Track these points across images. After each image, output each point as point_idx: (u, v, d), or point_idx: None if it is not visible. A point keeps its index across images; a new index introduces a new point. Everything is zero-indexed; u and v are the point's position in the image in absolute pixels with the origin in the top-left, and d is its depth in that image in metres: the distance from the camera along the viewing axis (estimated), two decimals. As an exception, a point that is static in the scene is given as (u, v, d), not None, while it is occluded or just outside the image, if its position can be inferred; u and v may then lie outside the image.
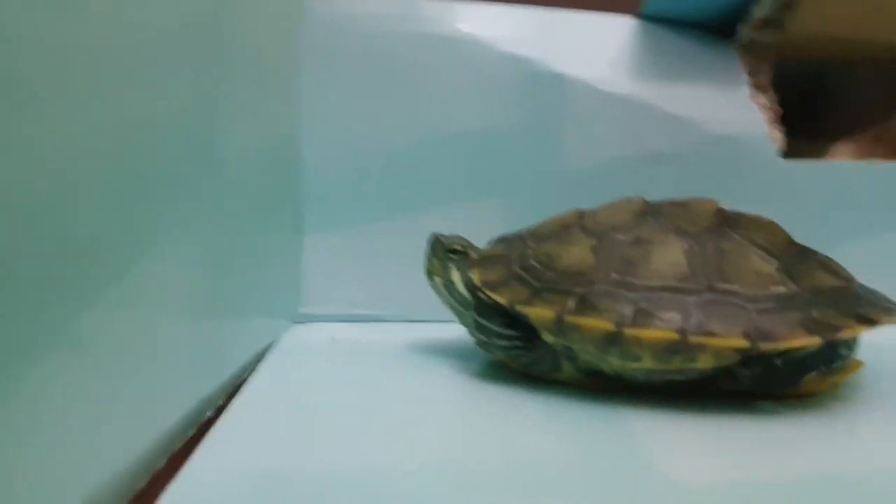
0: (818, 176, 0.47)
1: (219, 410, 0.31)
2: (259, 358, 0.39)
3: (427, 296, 0.39)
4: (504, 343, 0.35)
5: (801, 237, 0.35)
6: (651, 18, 0.48)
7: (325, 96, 0.47)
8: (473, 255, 0.37)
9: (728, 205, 0.35)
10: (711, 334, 0.30)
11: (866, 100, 0.55)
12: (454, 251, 0.38)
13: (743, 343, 0.30)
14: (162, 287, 0.27)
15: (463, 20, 0.47)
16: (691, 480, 0.25)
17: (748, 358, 0.31)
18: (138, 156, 0.24)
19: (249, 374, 0.36)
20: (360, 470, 0.25)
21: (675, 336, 0.30)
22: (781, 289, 0.31)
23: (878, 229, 0.47)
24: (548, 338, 0.33)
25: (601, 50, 0.48)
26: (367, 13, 0.47)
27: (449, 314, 0.39)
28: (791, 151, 0.48)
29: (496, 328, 0.35)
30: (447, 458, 0.26)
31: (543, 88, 0.47)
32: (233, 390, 0.34)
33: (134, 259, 0.24)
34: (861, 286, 0.34)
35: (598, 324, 0.31)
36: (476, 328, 0.36)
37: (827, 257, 0.34)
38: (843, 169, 0.47)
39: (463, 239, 0.38)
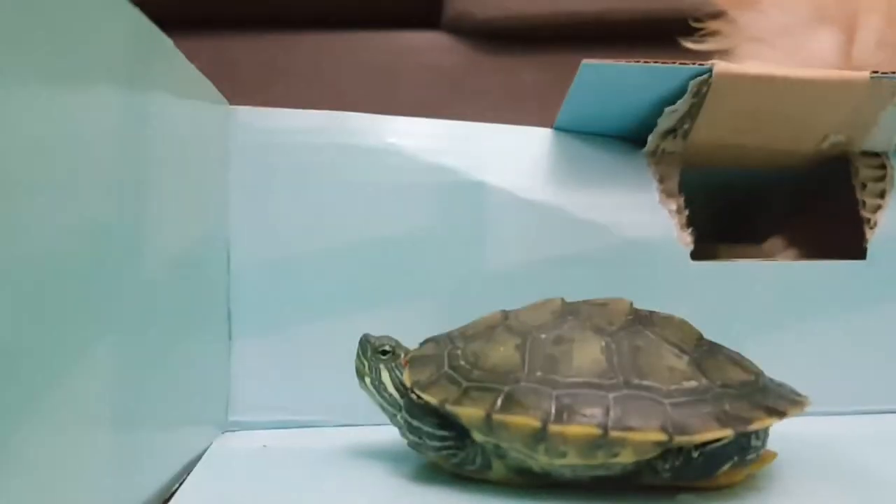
0: (725, 276, 0.50)
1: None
2: (188, 468, 0.38)
3: (360, 399, 0.39)
4: (436, 443, 0.36)
5: (710, 334, 0.37)
6: (565, 131, 0.51)
7: (253, 203, 0.48)
8: (402, 354, 0.38)
9: (641, 304, 0.37)
10: (630, 429, 0.31)
11: (786, 202, 0.59)
12: (384, 352, 0.38)
13: (660, 436, 0.31)
14: (83, 401, 0.26)
15: (387, 132, 0.50)
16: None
17: (667, 451, 0.32)
18: (53, 264, 0.24)
19: (178, 487, 0.36)
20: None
21: (597, 432, 0.31)
22: (693, 383, 0.33)
23: (782, 324, 0.50)
24: (478, 437, 0.34)
25: (519, 159, 0.50)
26: (294, 126, 0.49)
27: (382, 417, 0.39)
28: (722, 253, 0.51)
29: (428, 428, 0.36)
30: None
31: (465, 196, 0.49)
32: (162, 502, 0.34)
33: (48, 372, 0.24)
34: (769, 379, 0.36)
35: (524, 421, 0.32)
36: (408, 429, 0.37)
37: (735, 353, 0.37)
38: (748, 269, 0.50)
39: (392, 339, 0.39)
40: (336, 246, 0.48)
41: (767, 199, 0.60)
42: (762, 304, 0.50)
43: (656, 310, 0.37)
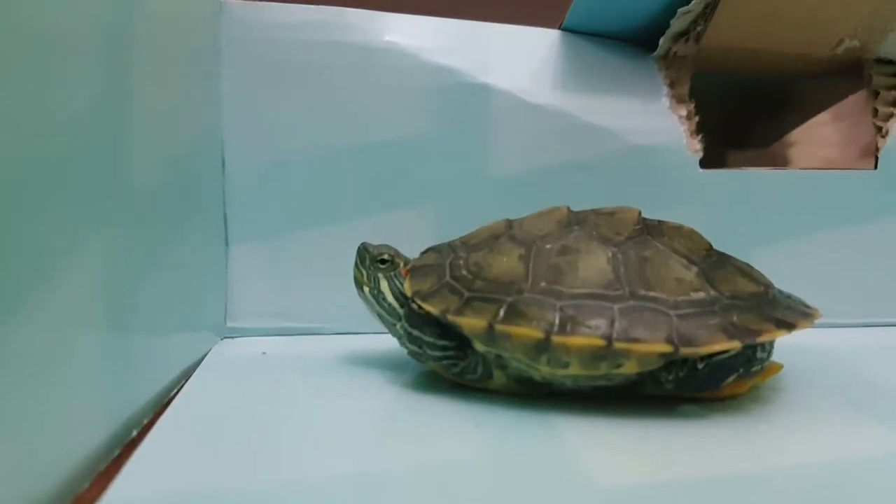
0: (734, 184, 0.48)
1: (145, 429, 0.31)
2: (187, 374, 0.38)
3: (360, 307, 0.39)
4: (437, 353, 0.35)
5: (719, 244, 0.36)
6: (573, 31, 0.49)
7: (249, 104, 0.46)
8: (401, 263, 0.38)
9: (649, 213, 0.36)
10: (636, 340, 0.31)
11: (798, 109, 0.58)
12: (382, 260, 0.38)
13: (666, 348, 0.30)
14: (72, 302, 0.26)
15: (387, 30, 0.47)
16: (613, 481, 0.26)
17: (671, 362, 0.32)
18: (35, 158, 0.23)
19: (177, 392, 0.35)
20: (284, 485, 0.25)
21: (601, 343, 0.31)
22: (701, 294, 0.32)
23: (794, 234, 0.49)
24: (479, 347, 0.34)
25: (525, 61, 0.48)
26: (289, 21, 0.47)
27: (382, 325, 0.39)
28: (731, 160, 0.50)
29: (428, 338, 0.35)
30: (375, 468, 0.27)
31: (468, 98, 0.47)
32: (159, 408, 0.33)
33: (39, 273, 0.23)
34: (778, 291, 0.35)
35: (527, 332, 0.31)
36: (407, 339, 0.36)
37: (745, 263, 0.36)
38: (758, 177, 0.49)
39: (390, 248, 0.38)
40: (335, 149, 0.47)
41: (778, 106, 0.59)
42: (772, 214, 0.49)
43: (663, 219, 0.36)
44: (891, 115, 0.50)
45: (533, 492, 0.25)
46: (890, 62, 0.51)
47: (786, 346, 0.35)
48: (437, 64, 0.47)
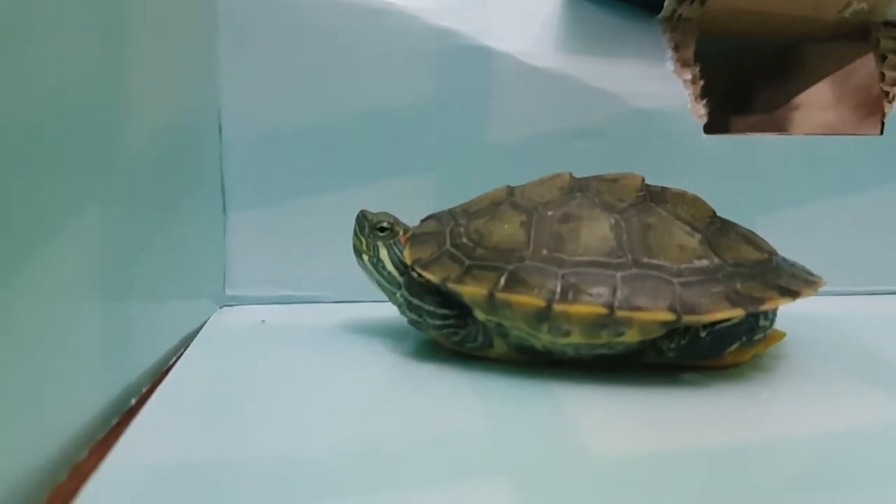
0: (739, 150, 0.48)
1: (144, 397, 0.30)
2: (186, 343, 0.38)
3: (359, 275, 0.39)
4: (437, 322, 0.35)
5: (723, 210, 0.35)
6: (577, -7, 0.48)
7: (246, 71, 0.45)
8: (401, 231, 0.37)
9: (652, 179, 0.36)
10: (638, 308, 0.30)
11: (804, 73, 0.57)
12: (381, 228, 0.37)
13: (669, 316, 0.30)
14: (70, 271, 0.25)
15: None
16: (614, 450, 0.26)
17: (673, 331, 0.32)
18: (37, 133, 0.23)
19: (175, 360, 0.35)
20: (282, 456, 0.25)
21: (602, 311, 0.30)
22: (705, 262, 0.32)
23: (798, 201, 0.49)
24: (480, 315, 0.33)
25: (526, 24, 0.47)
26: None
27: (382, 294, 0.38)
28: (735, 124, 0.49)
29: (428, 307, 0.35)
30: (374, 438, 0.27)
31: (469, 62, 0.46)
32: (158, 376, 0.33)
33: (37, 243, 0.23)
34: (782, 259, 0.35)
35: (528, 300, 0.31)
36: (407, 307, 0.36)
37: (749, 230, 0.35)
38: (763, 143, 0.48)
39: (390, 215, 0.38)
40: (333, 115, 0.46)
41: (784, 71, 0.58)
42: (776, 180, 0.49)
43: (667, 185, 0.36)
44: (898, 80, 0.49)
45: (534, 461, 0.25)
46: (897, 25, 0.50)
47: (788, 314, 0.35)
48: (438, 26, 0.46)
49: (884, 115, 0.49)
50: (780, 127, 0.54)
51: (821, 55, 0.55)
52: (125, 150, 0.31)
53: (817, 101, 0.57)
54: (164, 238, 0.36)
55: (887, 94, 0.49)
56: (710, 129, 0.47)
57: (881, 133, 0.49)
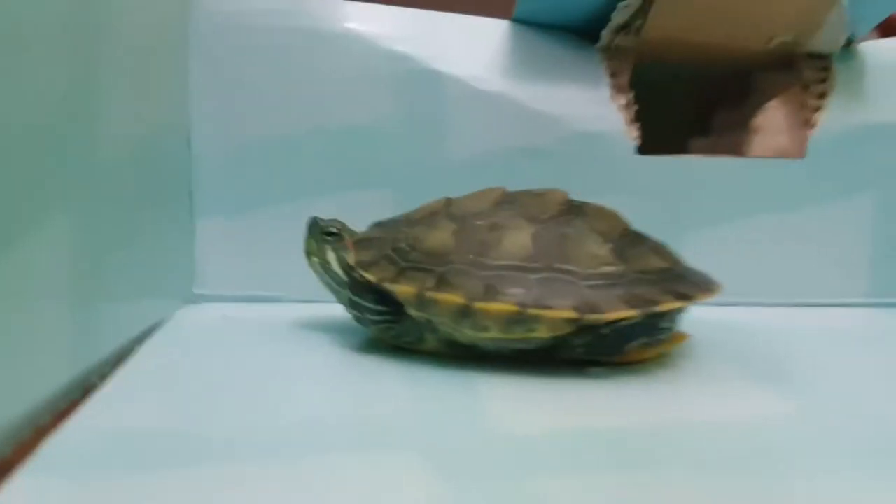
0: (669, 170, 0.52)
1: (107, 378, 0.34)
2: (151, 332, 0.42)
3: (316, 277, 0.42)
4: (375, 318, 0.39)
5: (653, 226, 0.39)
6: (523, 22, 0.52)
7: (214, 88, 0.49)
8: (348, 236, 0.41)
9: (588, 195, 0.40)
10: (546, 307, 0.34)
11: (734, 101, 0.61)
12: (330, 233, 0.41)
13: (572, 314, 0.34)
14: (37, 267, 0.29)
15: (346, 18, 0.50)
16: (522, 429, 0.29)
17: (581, 328, 0.35)
18: (8, 143, 0.26)
19: (137, 346, 0.39)
20: (236, 428, 0.28)
21: (515, 308, 0.34)
22: (612, 269, 0.36)
23: (721, 219, 0.53)
24: (412, 312, 0.37)
25: (477, 50, 0.51)
26: (254, 8, 0.50)
27: (329, 293, 0.42)
28: (672, 148, 0.53)
29: (367, 304, 0.39)
30: (314, 416, 0.30)
31: (422, 85, 0.50)
32: (121, 362, 0.37)
33: (4, 242, 0.26)
34: (686, 268, 0.39)
35: (452, 298, 0.35)
36: (350, 305, 0.40)
37: (659, 243, 0.39)
38: (692, 163, 0.52)
39: (339, 222, 0.42)
40: (298, 131, 0.50)
41: (737, 95, 0.62)
42: (704, 199, 0.53)
43: (604, 201, 0.40)
44: (818, 108, 0.53)
45: (446, 437, 0.28)
46: (820, 56, 0.54)
47: (702, 320, 0.39)
48: (395, 51, 0.50)
49: (805, 139, 0.53)
50: (737, 150, 0.57)
51: (770, 81, 0.59)
52: (97, 161, 0.34)
53: (770, 125, 0.60)
54: (136, 240, 0.40)
55: (807, 120, 0.53)
56: (642, 150, 0.51)
57: (803, 157, 0.53)
